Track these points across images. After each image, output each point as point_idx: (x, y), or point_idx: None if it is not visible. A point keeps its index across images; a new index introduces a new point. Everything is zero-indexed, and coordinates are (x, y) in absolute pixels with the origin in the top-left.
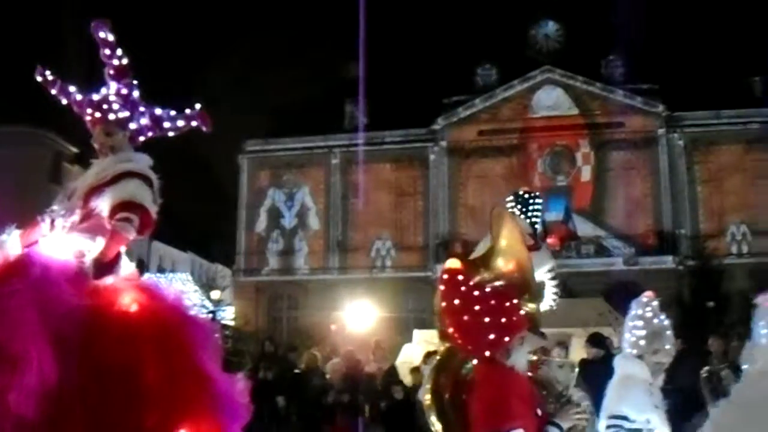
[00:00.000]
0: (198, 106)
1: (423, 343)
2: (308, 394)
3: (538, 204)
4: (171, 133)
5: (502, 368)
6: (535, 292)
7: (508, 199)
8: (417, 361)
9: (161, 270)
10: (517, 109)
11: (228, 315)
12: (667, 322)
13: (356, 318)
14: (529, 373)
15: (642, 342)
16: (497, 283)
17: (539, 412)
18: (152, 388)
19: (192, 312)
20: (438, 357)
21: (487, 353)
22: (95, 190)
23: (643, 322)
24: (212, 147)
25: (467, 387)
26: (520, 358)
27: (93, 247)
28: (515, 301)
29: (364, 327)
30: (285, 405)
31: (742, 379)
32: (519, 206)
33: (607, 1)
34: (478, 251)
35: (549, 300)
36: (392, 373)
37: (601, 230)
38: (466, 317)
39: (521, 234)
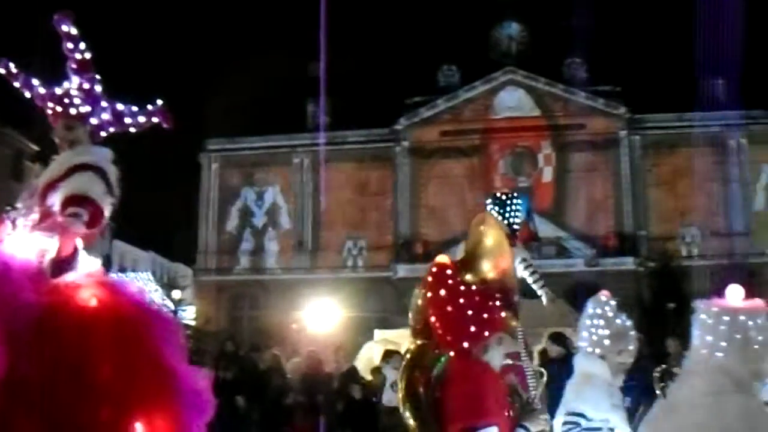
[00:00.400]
0: (160, 102)
1: (383, 342)
2: (269, 395)
3: (516, 204)
4: (132, 129)
5: (479, 363)
6: (515, 297)
7: (486, 201)
8: (377, 360)
9: (122, 269)
10: (479, 110)
11: (189, 315)
12: (629, 323)
13: (318, 318)
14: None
15: (606, 342)
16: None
17: (510, 413)
18: (107, 382)
19: (154, 306)
20: (410, 354)
21: (465, 345)
22: (51, 186)
23: (605, 322)
24: (174, 145)
25: (440, 383)
26: (496, 357)
27: (52, 246)
28: (498, 302)
29: (326, 327)
30: (244, 405)
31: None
32: (497, 207)
33: (569, 4)
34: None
35: (540, 291)
36: (351, 372)
37: (563, 231)
38: (449, 308)
39: (505, 238)
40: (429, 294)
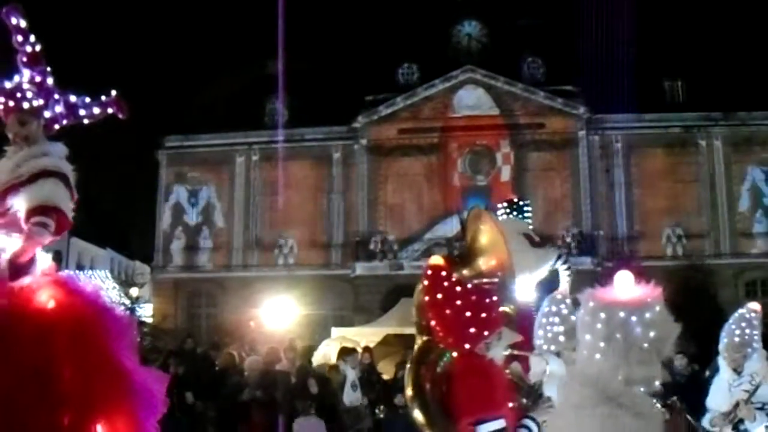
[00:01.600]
0: (114, 92)
1: (340, 340)
2: (224, 392)
3: (528, 209)
4: (86, 121)
5: (482, 360)
6: (512, 290)
7: (501, 206)
8: (334, 357)
9: (80, 267)
10: (438, 108)
11: (146, 312)
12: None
13: (275, 316)
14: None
15: (561, 338)
16: (477, 281)
17: (514, 405)
18: (67, 386)
19: (109, 305)
20: (416, 351)
21: (467, 346)
22: (11, 188)
23: (560, 319)
24: (132, 142)
25: (446, 379)
26: (498, 353)
27: (9, 246)
28: (494, 298)
29: (284, 325)
30: (194, 401)
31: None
32: (515, 212)
33: (529, 3)
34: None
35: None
36: (306, 368)
37: None
38: (447, 311)
39: (502, 233)
40: (426, 297)
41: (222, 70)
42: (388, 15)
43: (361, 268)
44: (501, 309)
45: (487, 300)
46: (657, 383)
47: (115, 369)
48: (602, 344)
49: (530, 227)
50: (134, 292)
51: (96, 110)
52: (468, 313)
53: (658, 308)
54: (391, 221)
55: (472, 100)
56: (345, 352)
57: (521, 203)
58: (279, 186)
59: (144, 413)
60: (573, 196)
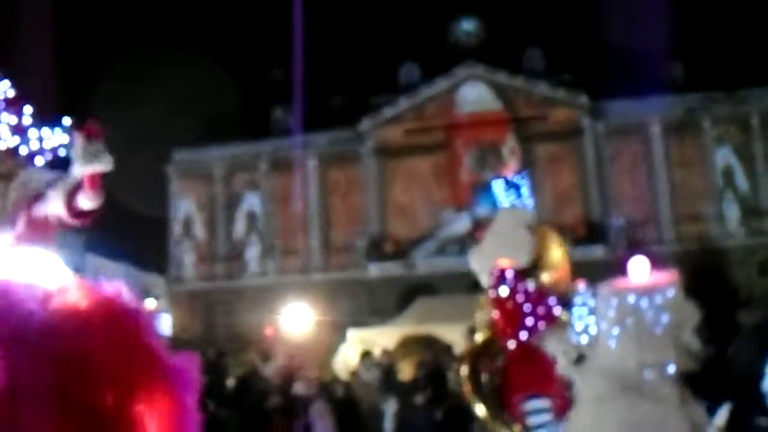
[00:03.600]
0: (88, 119)
1: (358, 342)
2: (247, 400)
3: (524, 183)
4: (63, 152)
5: (538, 349)
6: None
7: (497, 186)
8: (353, 361)
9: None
10: (442, 106)
11: (164, 324)
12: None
13: (292, 321)
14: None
15: (593, 329)
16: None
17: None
18: (108, 369)
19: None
20: (478, 344)
21: (524, 337)
22: (37, 197)
23: (589, 309)
24: (143, 156)
25: (501, 373)
26: (550, 349)
27: (44, 255)
28: (552, 301)
29: (300, 330)
30: (217, 410)
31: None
32: (514, 194)
33: None
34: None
35: None
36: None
37: None
38: (509, 304)
39: (564, 250)
40: (491, 292)
41: (226, 80)
42: (384, 15)
43: (374, 270)
44: (557, 313)
45: (545, 300)
46: (672, 368)
47: (150, 353)
48: (615, 330)
49: (531, 207)
50: (151, 304)
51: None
52: (527, 308)
53: (671, 293)
54: (402, 221)
55: (474, 96)
56: (365, 356)
57: (516, 181)
58: (290, 193)
59: (181, 392)
60: (581, 185)
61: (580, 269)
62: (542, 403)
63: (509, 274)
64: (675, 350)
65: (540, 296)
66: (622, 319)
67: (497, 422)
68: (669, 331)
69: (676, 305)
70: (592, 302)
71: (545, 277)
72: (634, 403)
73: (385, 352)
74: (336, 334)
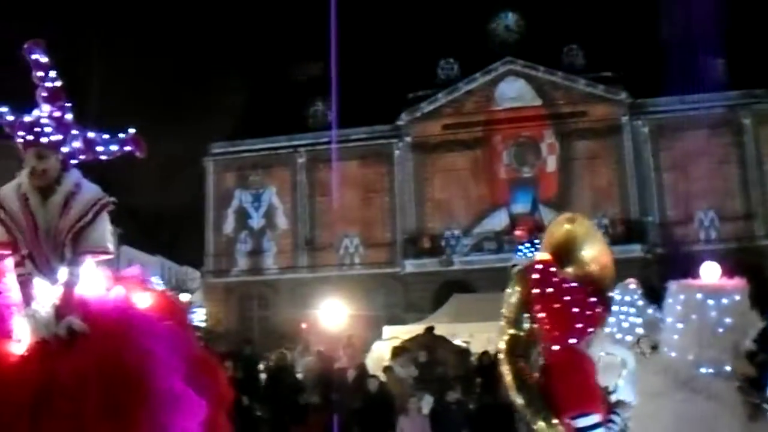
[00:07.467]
0: (132, 130)
1: (393, 338)
2: (280, 394)
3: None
4: (104, 157)
5: (583, 356)
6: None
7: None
8: (387, 356)
9: None
10: (481, 101)
11: (199, 317)
12: (659, 314)
13: (328, 316)
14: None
15: (639, 329)
16: (578, 281)
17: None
18: (157, 383)
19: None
20: (506, 344)
21: (572, 341)
22: (81, 230)
23: (636, 309)
24: (179, 149)
25: (543, 370)
26: (595, 350)
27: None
28: (596, 298)
29: (336, 325)
30: (250, 404)
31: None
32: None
33: None
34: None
35: None
36: (363, 369)
37: None
38: (556, 305)
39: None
40: (535, 291)
41: (263, 75)
42: (425, 11)
43: (410, 266)
44: (599, 310)
45: (591, 299)
46: (728, 368)
47: (197, 354)
48: (680, 325)
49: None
50: (185, 297)
51: (113, 147)
52: (575, 309)
53: (738, 297)
54: (439, 217)
55: (513, 91)
56: (397, 352)
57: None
58: (326, 187)
59: (215, 405)
60: (620, 182)
61: (618, 267)
62: (591, 419)
63: (554, 269)
64: (733, 352)
65: (586, 295)
66: (687, 315)
67: (539, 416)
68: (730, 333)
69: (740, 310)
70: (640, 301)
71: (587, 259)
72: (687, 398)
73: (422, 349)
74: (372, 330)
